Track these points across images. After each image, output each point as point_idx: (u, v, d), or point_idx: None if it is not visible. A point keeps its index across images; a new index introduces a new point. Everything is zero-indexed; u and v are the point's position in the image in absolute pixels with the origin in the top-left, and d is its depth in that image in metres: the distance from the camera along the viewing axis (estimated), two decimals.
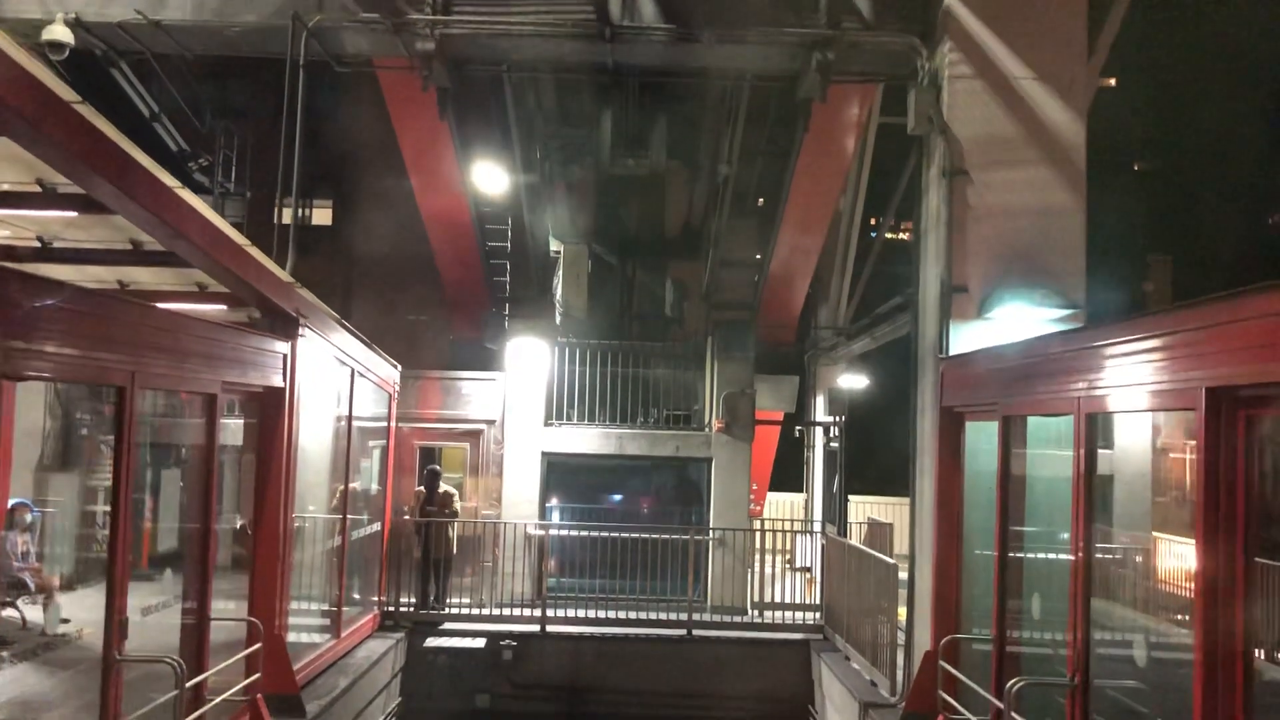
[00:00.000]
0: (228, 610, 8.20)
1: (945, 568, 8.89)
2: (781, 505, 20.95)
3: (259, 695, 7.87)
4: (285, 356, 8.85)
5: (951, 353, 9.03)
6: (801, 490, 20.00)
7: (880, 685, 10.23)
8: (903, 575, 10.31)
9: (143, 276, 8.67)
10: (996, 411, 7.78)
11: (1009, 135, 9.26)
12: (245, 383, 8.13)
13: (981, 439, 8.77)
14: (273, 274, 8.61)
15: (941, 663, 7.82)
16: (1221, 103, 29.92)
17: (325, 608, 10.84)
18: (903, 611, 10.14)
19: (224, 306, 9.40)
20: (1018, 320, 8.91)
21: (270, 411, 8.80)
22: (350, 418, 11.19)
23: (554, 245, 18.06)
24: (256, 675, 7.73)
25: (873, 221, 20.26)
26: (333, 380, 10.79)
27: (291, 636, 9.38)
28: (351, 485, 11.84)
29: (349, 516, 11.43)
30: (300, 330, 9.05)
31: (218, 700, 7.16)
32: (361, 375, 11.60)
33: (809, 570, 16.21)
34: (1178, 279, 25.81)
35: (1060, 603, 7.79)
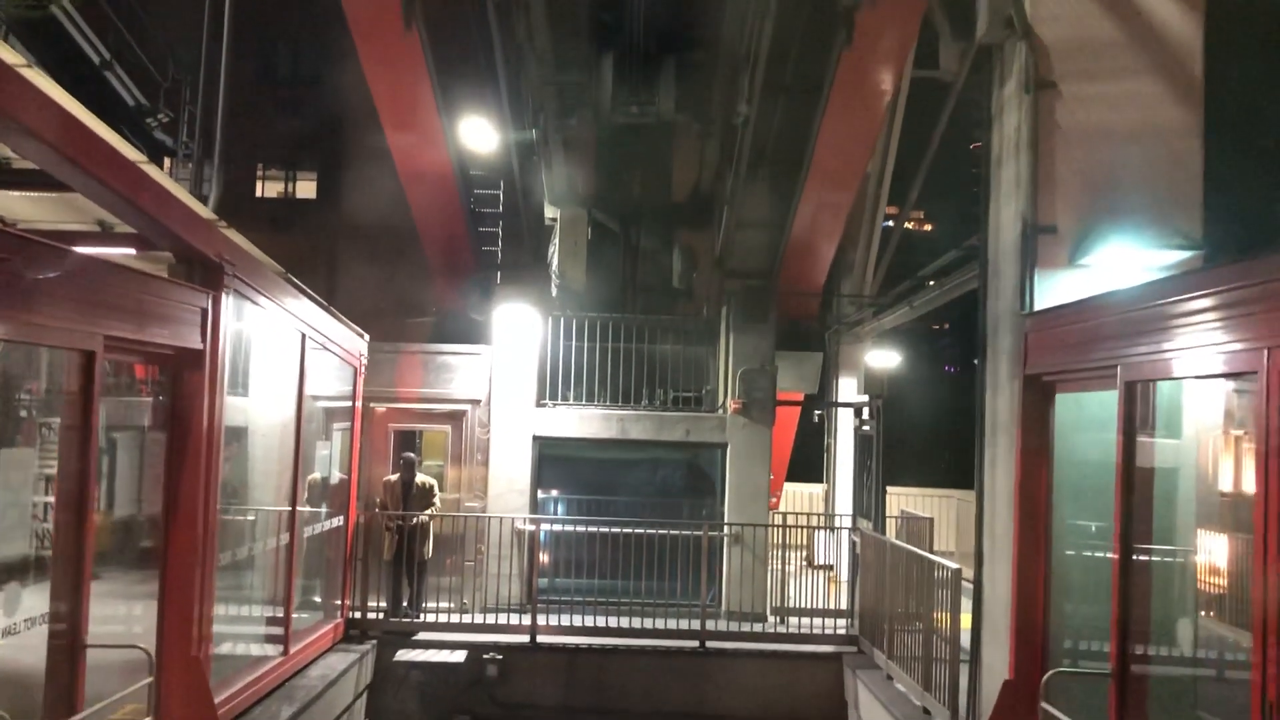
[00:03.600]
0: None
1: (1029, 577, 7.10)
2: (799, 497, 19.15)
3: None
4: (205, 311, 7.07)
5: (1036, 308, 7.23)
6: (821, 481, 18.20)
7: (936, 714, 8.47)
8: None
9: (20, 207, 6.87)
10: (1113, 376, 5.98)
11: (1108, 39, 7.41)
12: (144, 340, 6.34)
13: (1078, 415, 7.02)
14: (184, 206, 6.83)
15: (1044, 705, 6.01)
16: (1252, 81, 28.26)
17: (270, 617, 9.08)
18: (964, 620, 8.38)
19: (133, 250, 7.63)
20: (1121, 266, 7.10)
21: (185, 379, 7.02)
22: (301, 393, 9.42)
23: (549, 211, 16.25)
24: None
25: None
26: (276, 347, 9.02)
27: (222, 651, 7.67)
28: (313, 476, 10.15)
29: (303, 509, 9.71)
30: (225, 281, 7.28)
31: None
32: (317, 344, 9.84)
33: (830, 568, 14.55)
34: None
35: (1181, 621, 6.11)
